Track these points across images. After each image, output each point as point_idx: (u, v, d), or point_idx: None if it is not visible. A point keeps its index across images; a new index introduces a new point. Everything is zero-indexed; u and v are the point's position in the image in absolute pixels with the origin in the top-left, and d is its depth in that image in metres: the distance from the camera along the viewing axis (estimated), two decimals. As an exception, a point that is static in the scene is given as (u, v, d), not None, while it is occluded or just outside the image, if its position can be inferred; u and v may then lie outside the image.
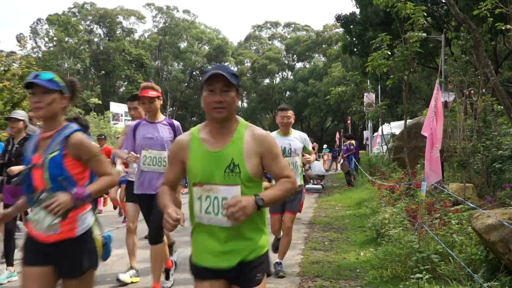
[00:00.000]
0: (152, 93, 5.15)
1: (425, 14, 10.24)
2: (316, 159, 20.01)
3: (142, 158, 5.09)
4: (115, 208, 11.55)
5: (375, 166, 18.55)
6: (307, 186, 14.80)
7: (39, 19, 64.19)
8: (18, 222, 7.65)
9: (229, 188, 2.57)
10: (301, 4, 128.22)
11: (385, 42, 10.76)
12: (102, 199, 12.03)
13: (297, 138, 6.32)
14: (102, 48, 65.43)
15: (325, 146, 34.93)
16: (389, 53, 10.72)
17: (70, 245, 2.95)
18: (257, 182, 2.68)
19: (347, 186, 17.50)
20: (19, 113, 6.23)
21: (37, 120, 7.16)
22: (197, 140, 2.70)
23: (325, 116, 64.29)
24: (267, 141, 2.68)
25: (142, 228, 6.49)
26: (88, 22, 67.78)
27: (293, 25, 77.52)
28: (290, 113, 6.31)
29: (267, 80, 71.76)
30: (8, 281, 5.99)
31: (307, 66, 69.88)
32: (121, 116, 40.21)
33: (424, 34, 12.14)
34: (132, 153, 5.12)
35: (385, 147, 19.03)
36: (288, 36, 75.64)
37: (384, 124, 18.62)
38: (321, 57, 69.37)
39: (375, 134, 26.65)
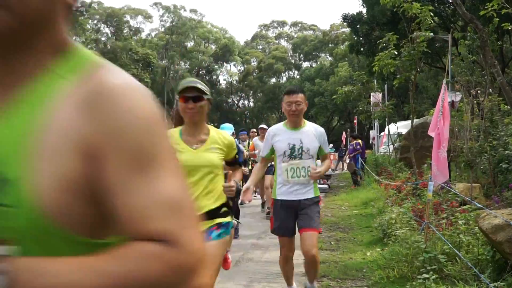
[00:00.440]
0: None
1: (432, 14, 10.23)
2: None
3: None
4: None
5: (382, 165, 18.51)
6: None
7: (46, 18, 64.37)
8: None
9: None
10: (308, 3, 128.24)
11: (392, 41, 10.75)
12: None
13: (313, 134, 4.78)
14: (109, 47, 65.60)
15: (330, 145, 34.78)
16: (396, 52, 10.71)
17: None
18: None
19: (354, 186, 17.49)
20: None
21: None
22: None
23: (332, 115, 64.19)
24: None
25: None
26: (95, 21, 68.03)
27: (299, 25, 77.45)
28: (301, 97, 4.69)
29: (273, 80, 71.72)
30: None
31: (313, 65, 69.76)
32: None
33: (431, 34, 12.12)
34: None
35: (391, 147, 18.97)
36: (295, 36, 75.57)
37: (390, 123, 18.57)
38: (328, 56, 69.24)
39: (382, 133, 26.57)
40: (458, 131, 10.28)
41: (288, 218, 4.80)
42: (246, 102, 76.92)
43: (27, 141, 0.89)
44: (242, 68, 74.03)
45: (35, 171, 0.87)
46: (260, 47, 77.59)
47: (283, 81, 70.85)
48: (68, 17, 1.06)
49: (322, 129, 4.97)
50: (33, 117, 0.91)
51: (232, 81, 74.55)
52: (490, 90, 10.57)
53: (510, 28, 9.07)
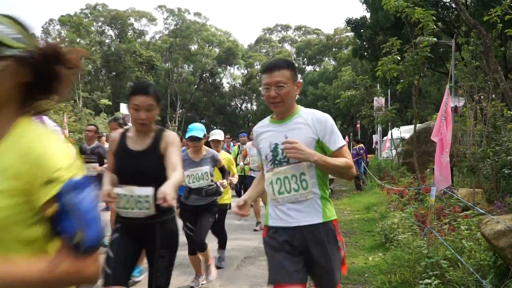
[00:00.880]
0: None
1: (435, 18, 10.23)
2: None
3: None
4: None
5: (384, 170, 18.52)
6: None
7: (51, 20, 64.64)
8: None
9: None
10: (312, 7, 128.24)
11: (395, 46, 10.76)
12: None
13: (307, 123, 3.18)
14: (113, 50, 65.69)
15: None
16: (399, 57, 10.72)
17: None
18: None
19: (356, 190, 17.47)
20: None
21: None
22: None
23: (335, 120, 63.89)
24: None
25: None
26: (99, 24, 68.12)
27: (303, 29, 77.46)
28: (284, 75, 3.16)
29: (276, 83, 71.67)
30: None
31: (317, 69, 69.76)
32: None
33: (435, 39, 12.11)
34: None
35: (394, 152, 18.98)
36: (299, 40, 75.60)
37: (393, 128, 18.58)
38: (331, 60, 69.25)
39: (385, 138, 26.60)
40: (461, 136, 10.28)
41: (286, 259, 3.06)
42: (249, 105, 76.93)
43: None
44: (246, 71, 74.04)
45: None
46: (264, 50, 77.59)
47: (286, 85, 70.80)
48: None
49: (323, 115, 3.26)
50: None
51: (236, 84, 74.57)
52: (493, 95, 10.57)
53: (513, 34, 9.06)
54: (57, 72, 1.51)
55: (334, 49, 67.27)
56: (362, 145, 18.80)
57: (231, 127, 64.01)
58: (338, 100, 18.84)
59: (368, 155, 20.82)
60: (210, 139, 7.06)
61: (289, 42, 77.58)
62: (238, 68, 75.02)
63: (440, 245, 5.91)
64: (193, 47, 72.25)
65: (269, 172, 3.16)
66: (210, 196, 5.81)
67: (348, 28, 27.50)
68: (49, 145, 1.39)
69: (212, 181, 5.75)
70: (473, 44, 11.74)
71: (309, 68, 72.93)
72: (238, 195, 13.39)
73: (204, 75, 71.98)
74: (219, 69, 72.47)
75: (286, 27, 78.35)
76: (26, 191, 1.34)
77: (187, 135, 5.67)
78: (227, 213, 7.37)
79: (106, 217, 6.95)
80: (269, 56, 73.54)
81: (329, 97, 53.74)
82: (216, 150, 6.32)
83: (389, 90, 27.32)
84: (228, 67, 74.36)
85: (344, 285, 5.86)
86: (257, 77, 70.18)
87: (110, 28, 68.59)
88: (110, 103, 44.11)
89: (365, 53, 24.19)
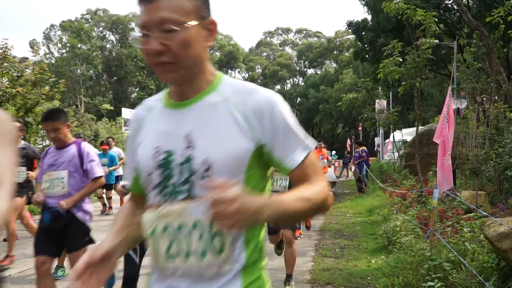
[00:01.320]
0: None
1: (437, 20, 10.22)
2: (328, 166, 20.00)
3: None
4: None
5: (387, 173, 18.49)
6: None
7: (52, 25, 64.81)
8: None
9: None
10: (313, 10, 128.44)
11: (396, 48, 10.76)
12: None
13: (234, 115, 1.53)
14: (114, 54, 65.83)
15: (333, 152, 34.54)
16: (401, 59, 10.71)
17: None
18: None
19: (358, 193, 17.45)
20: None
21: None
22: None
23: (336, 122, 64.18)
24: None
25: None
26: (101, 29, 68.28)
27: (304, 32, 77.59)
28: (177, 5, 1.45)
29: (278, 87, 71.84)
30: None
31: (318, 72, 69.85)
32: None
33: (436, 41, 12.11)
34: None
35: (396, 154, 18.96)
36: (300, 43, 75.70)
37: (395, 131, 18.58)
38: (333, 63, 69.32)
39: (387, 141, 26.57)
40: (464, 138, 10.25)
41: None
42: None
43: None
44: (247, 75, 74.14)
45: None
46: (265, 54, 77.74)
47: (287, 88, 70.95)
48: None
49: (266, 96, 1.57)
50: None
51: (237, 88, 74.69)
52: (496, 97, 10.54)
53: (515, 35, 9.05)
54: None
55: (335, 52, 67.37)
56: (364, 147, 18.77)
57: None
58: (339, 103, 18.83)
59: (370, 158, 20.78)
60: None
61: (290, 45, 77.70)
62: (239, 72, 75.16)
63: (443, 247, 5.88)
64: (194, 51, 72.35)
65: (151, 210, 1.58)
66: None
67: (349, 30, 27.56)
68: None
69: None
70: (475, 45, 11.72)
71: (310, 71, 73.10)
72: None
73: (205, 79, 72.05)
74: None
75: (287, 30, 78.47)
76: None
77: None
78: None
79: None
80: (270, 60, 73.69)
81: (330, 100, 53.80)
82: None
83: (391, 93, 27.33)
84: (230, 71, 74.47)
85: (347, 289, 5.85)
86: (258, 81, 70.28)
87: (111, 33, 68.74)
88: (111, 108, 44.15)
89: (367, 56, 24.20)
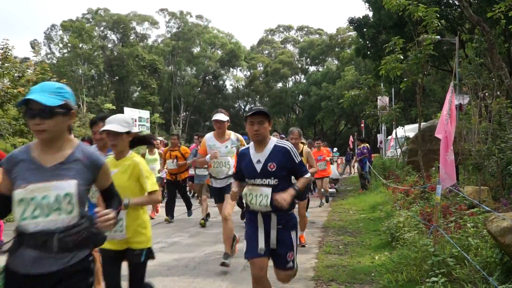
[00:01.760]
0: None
1: (438, 16, 10.20)
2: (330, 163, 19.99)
3: None
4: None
5: (389, 169, 18.47)
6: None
7: (53, 25, 64.77)
8: None
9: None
10: (314, 7, 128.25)
11: (398, 45, 10.75)
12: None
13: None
14: (116, 54, 65.82)
15: (335, 149, 34.21)
16: (403, 56, 10.70)
17: None
18: None
19: (361, 190, 17.45)
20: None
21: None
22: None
23: (339, 119, 64.11)
24: None
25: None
26: (102, 28, 68.27)
27: (306, 29, 77.38)
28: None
29: (280, 84, 71.76)
30: None
31: (320, 69, 69.73)
32: (135, 121, 40.45)
33: (438, 37, 12.10)
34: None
35: (399, 150, 18.94)
36: (301, 40, 75.54)
37: (398, 127, 18.54)
38: (334, 60, 69.20)
39: (389, 137, 26.53)
40: (466, 134, 10.25)
41: None
42: (252, 107, 76.84)
43: None
44: (249, 73, 74.09)
45: None
46: (266, 52, 77.60)
47: (289, 86, 70.89)
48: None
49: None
50: None
51: (239, 86, 74.61)
52: (498, 92, 10.53)
53: (517, 30, 9.04)
54: None
55: (337, 49, 67.22)
56: (367, 144, 18.76)
57: (235, 129, 63.59)
58: (341, 100, 18.83)
59: (372, 155, 20.77)
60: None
61: (292, 42, 77.52)
62: (241, 70, 75.13)
63: (447, 243, 5.89)
64: (196, 50, 72.34)
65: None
66: None
67: (351, 27, 27.48)
68: None
69: None
70: (477, 41, 11.68)
71: (312, 68, 72.94)
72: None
73: (207, 78, 72.09)
74: (222, 71, 72.54)
75: (289, 28, 78.30)
76: None
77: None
78: None
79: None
80: (272, 57, 73.65)
81: (332, 97, 53.72)
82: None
83: (393, 89, 27.26)
84: (231, 69, 74.45)
85: (350, 285, 5.85)
86: (260, 79, 70.27)
87: (112, 32, 68.73)
88: (114, 107, 44.15)
89: (368, 52, 24.15)
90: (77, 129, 24.40)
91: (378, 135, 35.01)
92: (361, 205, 13.60)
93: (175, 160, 11.47)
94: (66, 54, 61.14)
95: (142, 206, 4.11)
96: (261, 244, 4.19)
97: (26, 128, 15.14)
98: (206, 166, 7.96)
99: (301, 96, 67.42)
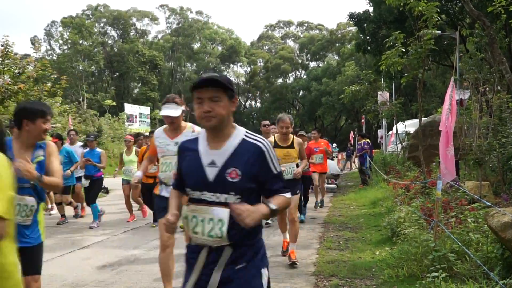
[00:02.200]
0: None
1: (439, 10, 10.18)
2: (331, 159, 19.98)
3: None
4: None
5: (390, 164, 18.44)
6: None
7: (53, 22, 64.87)
8: None
9: None
10: (314, 3, 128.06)
11: (399, 40, 10.71)
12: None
13: None
14: (116, 50, 65.88)
15: (334, 145, 33.97)
16: (403, 51, 10.67)
17: None
18: None
19: (362, 185, 17.44)
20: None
21: None
22: None
23: (339, 115, 64.14)
24: None
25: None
26: (102, 24, 68.32)
27: (306, 24, 77.35)
28: None
29: (280, 80, 71.75)
30: None
31: (320, 65, 69.70)
32: (136, 117, 40.46)
33: (438, 32, 12.07)
34: None
35: (399, 146, 18.92)
36: (302, 35, 75.50)
37: (398, 122, 18.52)
38: (335, 56, 69.17)
39: (390, 132, 26.52)
40: (467, 129, 10.23)
41: None
42: (253, 102, 76.99)
43: None
44: (249, 68, 74.07)
45: None
46: (267, 47, 77.58)
47: (290, 81, 70.88)
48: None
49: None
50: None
51: (239, 82, 74.61)
52: (499, 87, 10.50)
53: (518, 24, 9.02)
54: None
55: (337, 44, 67.21)
56: (367, 140, 18.74)
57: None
58: (342, 96, 18.80)
59: (373, 150, 20.75)
60: None
61: (292, 38, 77.52)
62: (241, 66, 75.18)
63: (447, 238, 5.89)
64: (196, 46, 72.38)
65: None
66: None
67: (351, 22, 27.49)
68: None
69: None
70: (477, 36, 11.65)
71: (312, 64, 72.95)
72: None
73: (207, 73, 72.04)
74: (222, 67, 72.54)
75: (289, 23, 78.26)
76: None
77: None
78: None
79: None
80: (272, 53, 73.60)
81: (333, 92, 53.74)
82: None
83: (393, 84, 27.26)
84: (231, 65, 74.44)
85: (351, 280, 5.85)
86: (260, 75, 70.22)
87: (112, 28, 68.78)
88: (114, 103, 44.19)
89: (369, 48, 24.13)
90: (77, 125, 24.39)
91: (378, 130, 35.00)
92: (362, 200, 13.60)
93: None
94: (66, 51, 61.17)
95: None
96: None
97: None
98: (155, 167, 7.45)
99: (301, 91, 67.44)
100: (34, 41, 56.89)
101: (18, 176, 2.99)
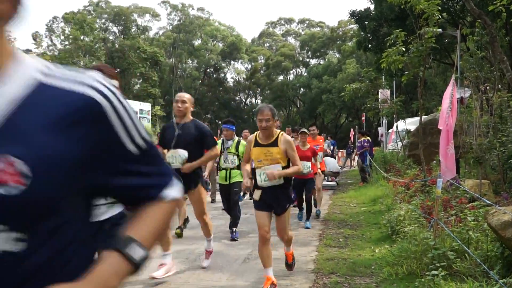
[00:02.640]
0: None
1: (440, 9, 10.17)
2: (332, 156, 19.97)
3: None
4: None
5: (390, 162, 18.45)
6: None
7: (55, 17, 64.80)
8: None
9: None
10: (315, 0, 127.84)
11: (400, 38, 10.71)
12: None
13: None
14: (117, 46, 65.72)
15: (331, 141, 33.35)
16: (404, 49, 10.67)
17: None
18: None
19: (362, 183, 17.44)
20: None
21: None
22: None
23: (340, 112, 64.03)
24: None
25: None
26: (103, 20, 68.17)
27: (307, 22, 77.14)
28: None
29: (281, 77, 71.62)
30: None
31: (321, 62, 69.57)
32: (136, 113, 40.46)
33: (439, 30, 12.05)
34: None
35: (400, 144, 18.93)
36: (303, 33, 75.34)
37: (399, 120, 18.53)
38: (336, 53, 69.04)
39: (390, 130, 26.51)
40: (467, 127, 10.24)
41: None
42: (253, 99, 76.88)
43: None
44: (250, 65, 73.95)
45: None
46: (267, 44, 77.41)
47: (290, 79, 70.79)
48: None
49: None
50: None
51: (240, 79, 74.51)
52: (499, 86, 10.51)
53: (518, 23, 9.02)
54: None
55: (338, 42, 67.03)
56: (367, 137, 18.74)
57: (236, 122, 63.92)
58: (343, 93, 18.80)
59: (373, 148, 20.75)
60: None
61: (293, 35, 77.32)
62: (242, 63, 74.98)
63: (447, 236, 5.90)
64: (197, 42, 72.24)
65: None
66: None
67: (352, 20, 27.44)
68: None
69: None
70: (478, 34, 11.66)
71: (313, 61, 72.76)
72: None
73: (208, 70, 71.99)
74: (223, 64, 72.43)
75: (290, 21, 78.07)
76: None
77: None
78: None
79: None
80: (273, 50, 73.51)
81: (333, 90, 53.61)
82: None
83: (394, 82, 27.22)
84: (232, 62, 74.32)
85: (351, 277, 5.86)
86: (261, 72, 70.15)
87: (113, 24, 68.65)
88: (115, 99, 44.09)
89: (370, 45, 24.12)
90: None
91: (379, 128, 34.96)
92: (362, 198, 13.61)
93: None
94: (67, 46, 61.06)
95: None
96: None
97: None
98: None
99: (302, 89, 67.32)
100: (35, 37, 56.84)
101: None
